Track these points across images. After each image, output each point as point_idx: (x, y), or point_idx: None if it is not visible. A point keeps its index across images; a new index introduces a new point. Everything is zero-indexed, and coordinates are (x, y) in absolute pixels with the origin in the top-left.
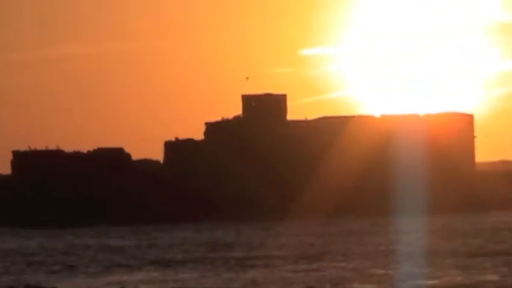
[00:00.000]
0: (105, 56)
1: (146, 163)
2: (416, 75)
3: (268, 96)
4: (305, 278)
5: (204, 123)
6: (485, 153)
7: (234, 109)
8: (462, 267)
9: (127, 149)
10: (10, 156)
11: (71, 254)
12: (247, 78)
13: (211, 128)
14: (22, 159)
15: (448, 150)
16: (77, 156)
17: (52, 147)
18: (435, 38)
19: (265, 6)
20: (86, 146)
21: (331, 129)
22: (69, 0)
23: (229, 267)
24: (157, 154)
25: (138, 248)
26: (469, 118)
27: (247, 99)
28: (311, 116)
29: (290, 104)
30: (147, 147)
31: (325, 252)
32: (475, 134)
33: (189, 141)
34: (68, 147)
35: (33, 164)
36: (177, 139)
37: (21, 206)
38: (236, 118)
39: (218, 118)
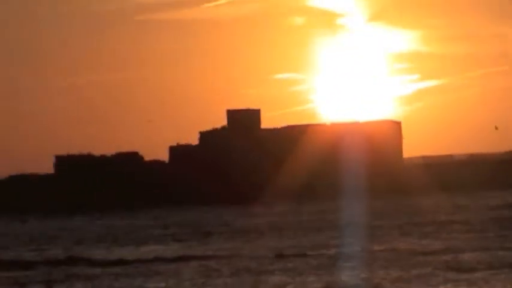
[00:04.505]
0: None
1: (157, 164)
2: (360, 91)
3: (247, 110)
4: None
5: (198, 132)
6: (410, 150)
7: (220, 121)
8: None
9: (140, 153)
10: (53, 160)
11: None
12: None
13: (204, 136)
14: (62, 161)
15: (381, 149)
16: (104, 159)
17: (84, 152)
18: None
19: (243, 40)
20: (110, 150)
21: (294, 134)
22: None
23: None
24: (165, 156)
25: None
26: (398, 124)
27: (231, 113)
28: (279, 125)
29: (263, 116)
30: (156, 151)
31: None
32: (403, 136)
33: (188, 146)
34: (97, 152)
35: (71, 165)
36: (178, 144)
37: (62, 198)
38: (223, 128)
39: (209, 128)
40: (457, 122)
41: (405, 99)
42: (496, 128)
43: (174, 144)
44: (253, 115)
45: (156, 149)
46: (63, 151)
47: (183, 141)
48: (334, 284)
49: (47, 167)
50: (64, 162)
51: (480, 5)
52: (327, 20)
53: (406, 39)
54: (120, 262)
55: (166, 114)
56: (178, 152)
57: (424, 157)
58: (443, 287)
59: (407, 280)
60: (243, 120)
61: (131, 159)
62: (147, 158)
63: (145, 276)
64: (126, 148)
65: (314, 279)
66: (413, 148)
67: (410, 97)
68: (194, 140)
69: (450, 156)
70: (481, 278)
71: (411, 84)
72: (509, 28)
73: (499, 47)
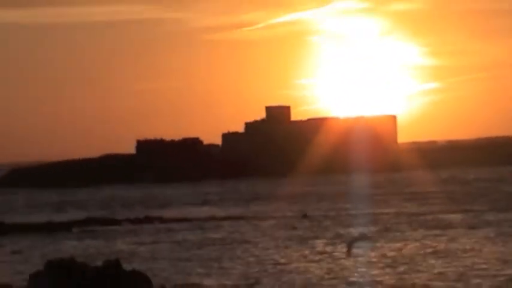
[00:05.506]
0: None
1: (213, 147)
2: (365, 92)
3: (280, 107)
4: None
5: (244, 122)
6: (403, 136)
7: (261, 114)
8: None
9: (200, 138)
10: (135, 143)
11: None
12: None
13: (250, 126)
14: (142, 144)
15: (381, 135)
16: (173, 142)
17: (158, 137)
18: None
19: (276, 54)
20: (178, 136)
21: (315, 125)
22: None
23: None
24: (219, 141)
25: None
26: (394, 118)
27: (268, 109)
28: (303, 117)
29: (292, 111)
30: (212, 137)
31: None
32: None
33: (237, 133)
34: (167, 137)
35: (149, 147)
36: (228, 132)
37: (141, 173)
38: (262, 120)
39: (252, 120)
40: (439, 116)
41: (401, 99)
42: None
43: (226, 131)
44: (285, 110)
45: (212, 135)
46: (143, 136)
47: (232, 130)
48: (344, 235)
49: (130, 149)
50: (143, 145)
51: (466, 23)
52: (337, 38)
53: (404, 52)
54: (184, 219)
55: (219, 110)
56: (229, 137)
57: (414, 142)
58: (425, 240)
59: (399, 234)
60: (278, 114)
61: (193, 143)
62: (205, 142)
63: (203, 229)
64: (189, 134)
65: (329, 232)
66: (406, 135)
67: (405, 98)
68: (241, 129)
69: (434, 141)
70: (461, 234)
71: (405, 87)
72: (486, 44)
73: (479, 60)
